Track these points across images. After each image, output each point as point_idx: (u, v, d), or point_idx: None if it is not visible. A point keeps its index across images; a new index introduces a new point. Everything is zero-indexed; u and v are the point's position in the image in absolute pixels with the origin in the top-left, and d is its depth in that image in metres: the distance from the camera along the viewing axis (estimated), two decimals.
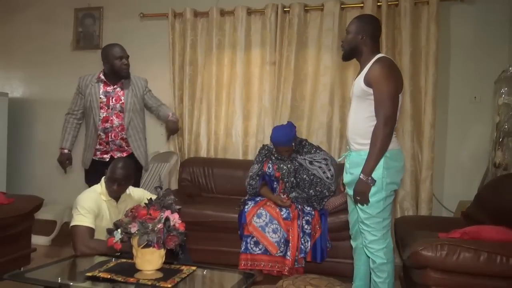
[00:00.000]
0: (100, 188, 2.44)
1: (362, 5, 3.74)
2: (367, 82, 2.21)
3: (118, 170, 2.39)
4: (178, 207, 2.03)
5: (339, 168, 2.92)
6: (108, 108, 2.98)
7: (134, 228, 1.89)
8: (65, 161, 3.11)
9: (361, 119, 2.27)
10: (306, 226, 2.98)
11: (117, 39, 4.44)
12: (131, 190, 2.58)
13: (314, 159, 3.12)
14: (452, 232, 2.28)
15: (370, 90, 2.20)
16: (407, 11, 3.64)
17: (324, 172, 3.08)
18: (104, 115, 2.98)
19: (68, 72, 4.63)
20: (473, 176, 3.60)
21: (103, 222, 2.36)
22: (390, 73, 2.19)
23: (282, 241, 2.92)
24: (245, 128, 4.10)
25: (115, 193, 2.45)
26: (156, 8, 4.29)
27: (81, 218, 2.29)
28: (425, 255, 2.07)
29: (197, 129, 4.19)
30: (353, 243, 2.55)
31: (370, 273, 2.44)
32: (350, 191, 2.36)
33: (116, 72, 2.99)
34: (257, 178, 3.21)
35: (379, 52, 2.33)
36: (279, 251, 2.91)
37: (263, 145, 3.42)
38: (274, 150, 3.21)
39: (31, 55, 4.79)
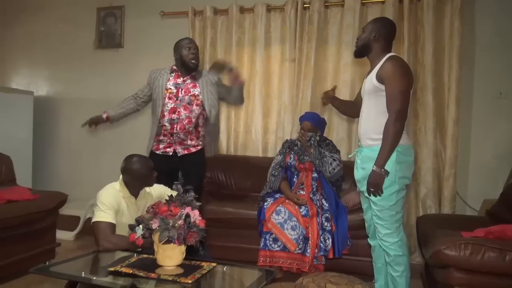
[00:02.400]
0: (118, 185, 2.47)
1: (384, 0, 3.68)
2: (380, 78, 2.27)
3: (135, 165, 2.44)
4: (198, 204, 2.04)
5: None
6: (177, 99, 2.98)
7: (155, 224, 1.91)
8: (96, 120, 3.10)
9: (374, 115, 2.32)
10: (326, 224, 2.97)
11: (138, 38, 4.54)
12: (150, 187, 2.60)
13: (332, 156, 3.12)
14: (476, 231, 2.24)
15: (382, 87, 2.26)
16: (430, 5, 3.57)
17: (330, 164, 3.09)
18: (172, 106, 2.97)
19: (90, 70, 4.73)
20: (498, 174, 3.52)
21: (123, 218, 2.39)
22: (402, 70, 2.25)
23: (301, 238, 2.91)
24: (264, 125, 4.10)
25: (155, 180, 2.52)
26: (176, 6, 4.33)
27: (102, 214, 2.32)
28: (448, 254, 2.04)
29: None
30: (371, 242, 2.54)
31: None
32: (362, 187, 2.38)
33: (185, 62, 3.00)
34: (280, 169, 3.25)
35: (390, 52, 2.39)
36: (297, 248, 2.90)
37: (287, 139, 3.46)
38: (297, 141, 3.26)
39: (55, 55, 4.89)
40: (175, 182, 2.07)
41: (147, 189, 2.57)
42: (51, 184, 4.68)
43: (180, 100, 2.98)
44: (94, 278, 1.98)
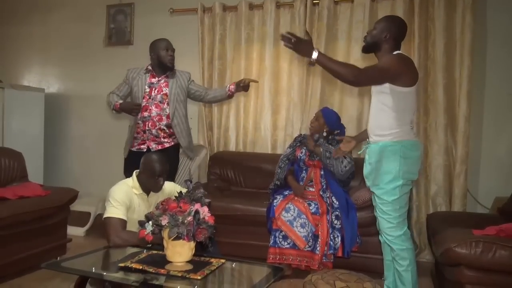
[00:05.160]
0: (131, 181, 2.49)
1: None
2: None
3: (158, 165, 2.40)
4: (207, 200, 2.05)
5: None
6: (149, 98, 3.08)
7: (164, 221, 1.92)
8: (130, 106, 3.07)
9: (379, 112, 2.35)
10: (335, 221, 2.96)
11: (148, 35, 4.54)
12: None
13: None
14: (487, 229, 2.22)
15: (386, 84, 2.27)
16: (441, 0, 3.52)
17: (341, 162, 3.09)
18: (144, 104, 3.08)
19: (101, 67, 4.76)
20: (510, 171, 3.48)
21: (134, 215, 2.41)
22: (398, 60, 2.25)
23: (310, 235, 2.91)
24: (274, 122, 4.09)
25: (160, 187, 2.49)
26: (185, 3, 4.34)
27: (114, 210, 2.35)
28: (458, 252, 2.03)
29: (226, 123, 4.21)
30: (381, 239, 2.53)
31: None
32: (369, 182, 2.40)
33: (162, 63, 3.10)
34: (287, 161, 3.29)
35: (398, 51, 2.41)
36: (307, 246, 2.90)
37: (300, 133, 3.48)
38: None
39: (66, 52, 4.93)
40: (185, 180, 2.08)
41: None
42: (62, 180, 4.72)
43: (152, 99, 3.08)
44: (105, 273, 2.00)
